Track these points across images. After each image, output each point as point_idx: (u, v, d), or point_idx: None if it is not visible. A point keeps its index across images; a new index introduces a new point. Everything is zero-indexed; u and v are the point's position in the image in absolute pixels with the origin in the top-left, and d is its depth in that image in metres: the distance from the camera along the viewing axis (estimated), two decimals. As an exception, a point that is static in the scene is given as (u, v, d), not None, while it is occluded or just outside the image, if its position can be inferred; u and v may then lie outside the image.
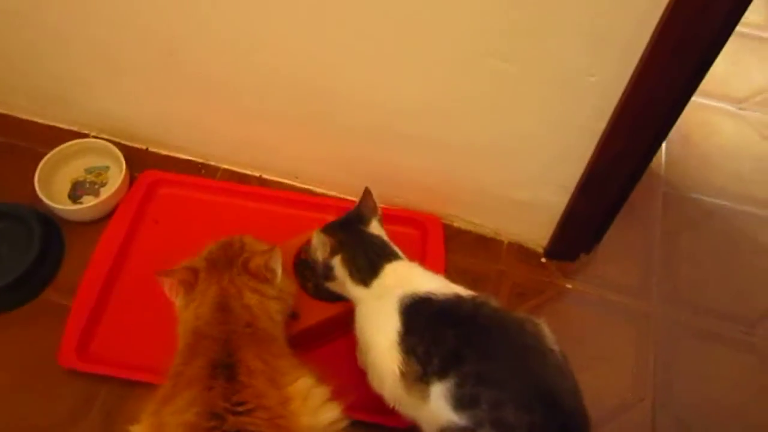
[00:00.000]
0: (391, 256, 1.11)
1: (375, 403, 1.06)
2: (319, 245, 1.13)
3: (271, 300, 1.04)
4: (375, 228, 1.16)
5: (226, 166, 1.53)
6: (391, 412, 1.05)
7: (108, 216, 1.41)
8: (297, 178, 1.50)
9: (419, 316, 1.03)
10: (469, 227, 1.47)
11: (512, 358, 0.98)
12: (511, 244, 1.46)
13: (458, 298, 1.04)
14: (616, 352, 1.33)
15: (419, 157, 1.33)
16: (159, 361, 0.97)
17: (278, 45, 1.19)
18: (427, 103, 1.21)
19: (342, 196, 1.49)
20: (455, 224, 1.47)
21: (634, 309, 1.39)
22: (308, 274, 1.26)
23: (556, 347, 1.01)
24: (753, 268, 1.49)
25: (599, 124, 1.13)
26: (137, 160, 1.50)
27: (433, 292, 1.05)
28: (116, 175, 1.44)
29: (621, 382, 1.29)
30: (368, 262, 1.10)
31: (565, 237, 1.39)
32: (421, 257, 1.35)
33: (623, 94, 1.06)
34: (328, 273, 1.14)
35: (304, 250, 1.27)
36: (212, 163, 1.53)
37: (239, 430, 0.83)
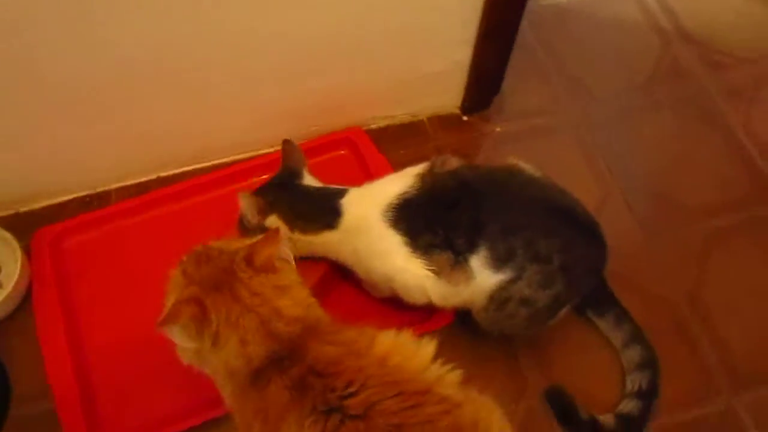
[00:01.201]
0: (340, 192, 1.08)
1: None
2: (247, 208, 1.06)
3: (296, 286, 0.92)
4: (309, 180, 1.11)
5: (116, 185, 1.34)
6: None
7: (25, 302, 1.20)
8: (200, 159, 1.36)
9: (413, 217, 1.01)
10: (387, 122, 1.44)
11: (520, 200, 1.02)
12: (431, 119, 1.46)
13: (431, 179, 1.04)
14: (569, 165, 1.41)
15: (322, 78, 1.26)
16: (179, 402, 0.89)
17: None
18: (318, 23, 1.15)
19: (257, 152, 1.38)
20: (373, 126, 1.43)
21: (562, 122, 1.47)
22: None
23: (539, 173, 1.06)
24: (622, 40, 1.63)
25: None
26: (14, 229, 1.26)
27: (403, 191, 1.03)
28: (7, 254, 1.22)
29: (588, 187, 1.38)
30: (319, 207, 1.07)
31: (477, 88, 1.41)
32: (365, 171, 1.32)
33: None
34: None
35: None
36: (99, 189, 1.34)
37: (367, 408, 0.79)
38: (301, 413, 0.80)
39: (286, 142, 1.13)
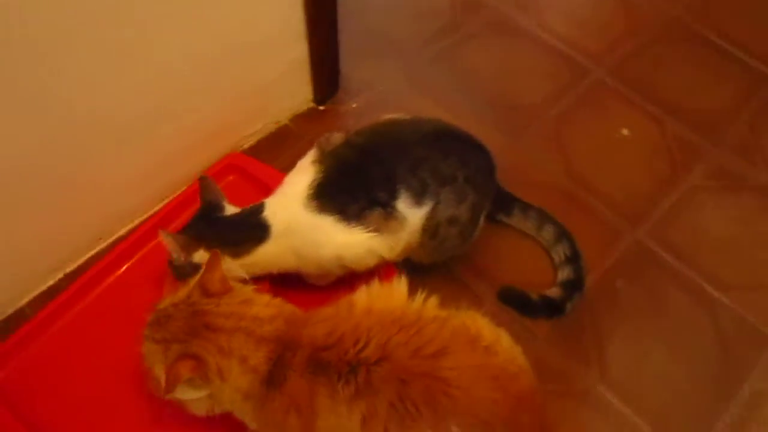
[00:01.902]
0: (258, 208, 1.13)
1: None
2: (171, 247, 1.09)
3: (257, 295, 0.98)
4: (231, 210, 1.15)
5: (26, 299, 1.29)
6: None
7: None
8: (99, 240, 1.34)
9: (333, 196, 1.09)
10: (257, 137, 1.50)
11: (409, 139, 1.15)
12: (293, 120, 1.54)
13: (329, 158, 1.13)
14: (420, 110, 1.53)
15: (178, 121, 1.29)
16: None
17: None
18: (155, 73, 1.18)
19: (153, 210, 1.38)
20: (246, 146, 1.49)
21: (401, 78, 1.63)
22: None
23: (409, 116, 1.21)
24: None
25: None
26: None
27: (312, 179, 1.11)
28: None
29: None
30: (244, 227, 1.12)
31: (321, 76, 1.52)
32: (262, 186, 1.36)
33: None
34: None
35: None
36: (9, 311, 1.27)
37: (383, 350, 0.87)
38: (328, 385, 0.87)
39: (202, 179, 1.16)
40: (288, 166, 1.19)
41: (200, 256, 1.09)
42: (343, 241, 1.09)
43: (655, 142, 1.54)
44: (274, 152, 1.48)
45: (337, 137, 1.18)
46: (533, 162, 1.49)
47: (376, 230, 1.09)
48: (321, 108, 1.57)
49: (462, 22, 1.75)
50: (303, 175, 1.11)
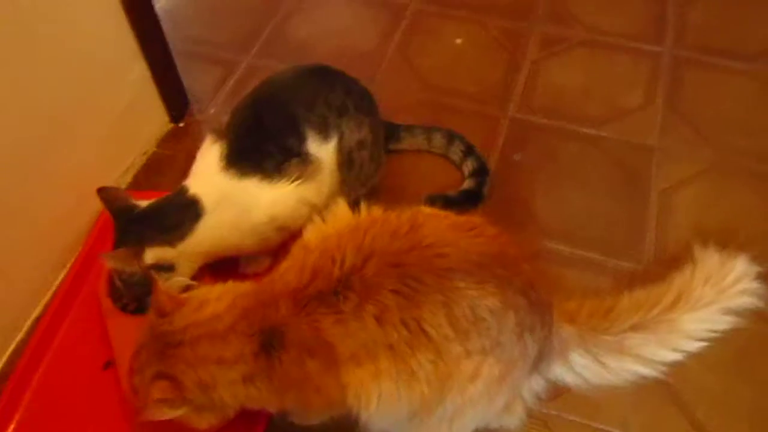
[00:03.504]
0: (180, 189, 1.11)
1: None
2: (121, 263, 1.06)
3: (211, 292, 0.94)
4: (144, 204, 1.12)
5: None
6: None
7: None
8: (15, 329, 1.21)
9: (248, 157, 1.09)
10: (131, 172, 1.45)
11: (295, 83, 1.18)
12: (159, 144, 1.51)
13: (227, 127, 1.14)
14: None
15: (47, 179, 1.22)
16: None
17: None
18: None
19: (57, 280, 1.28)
20: (124, 185, 1.43)
21: (246, 68, 1.64)
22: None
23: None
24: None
25: None
26: None
27: (221, 151, 1.10)
28: None
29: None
30: (177, 209, 1.10)
31: (169, 93, 1.50)
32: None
33: None
34: (164, 269, 1.08)
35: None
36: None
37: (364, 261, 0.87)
38: (330, 311, 0.86)
39: (100, 191, 1.11)
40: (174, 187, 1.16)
41: (151, 254, 1.06)
42: (272, 198, 1.09)
43: (485, 40, 1.69)
44: (155, 180, 1.44)
45: (225, 119, 1.18)
46: (395, 91, 1.57)
47: (299, 177, 1.10)
48: (181, 125, 1.54)
49: (272, 8, 1.80)
50: (210, 153, 1.11)
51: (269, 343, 0.88)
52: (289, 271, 0.93)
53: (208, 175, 1.10)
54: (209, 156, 1.11)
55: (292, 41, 1.72)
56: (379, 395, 0.87)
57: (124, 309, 1.16)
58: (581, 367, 1.10)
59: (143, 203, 1.11)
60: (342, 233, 0.93)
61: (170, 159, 1.47)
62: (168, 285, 1.06)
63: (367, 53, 1.67)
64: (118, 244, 1.07)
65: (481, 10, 1.75)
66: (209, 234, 1.08)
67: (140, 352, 0.92)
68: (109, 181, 1.37)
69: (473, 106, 1.54)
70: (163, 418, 0.88)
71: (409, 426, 0.94)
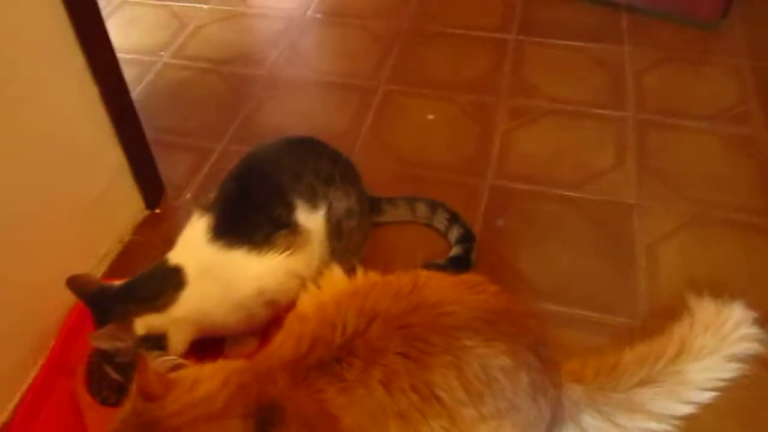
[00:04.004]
0: (163, 262, 1.09)
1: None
2: (114, 339, 0.99)
3: (203, 372, 0.87)
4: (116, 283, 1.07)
5: None
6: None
7: None
8: None
9: (234, 228, 1.07)
10: (107, 261, 1.39)
11: (279, 154, 1.18)
12: (135, 232, 1.46)
13: (215, 201, 1.12)
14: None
15: (24, 273, 1.17)
16: None
17: None
18: None
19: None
20: (99, 273, 1.37)
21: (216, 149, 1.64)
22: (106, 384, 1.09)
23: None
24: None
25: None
26: None
27: (207, 224, 1.09)
28: None
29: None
30: (159, 279, 1.07)
31: (146, 175, 1.48)
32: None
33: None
34: (155, 342, 1.03)
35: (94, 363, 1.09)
36: None
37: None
38: (333, 379, 0.82)
39: (70, 281, 1.05)
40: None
41: (142, 324, 1.02)
42: (260, 270, 1.05)
43: (455, 114, 1.73)
44: (131, 268, 1.35)
45: (211, 194, 1.16)
46: (372, 168, 1.54)
47: (287, 249, 1.07)
48: (157, 211, 1.51)
49: (242, 97, 1.82)
50: (196, 226, 1.08)
51: (268, 421, 0.82)
52: (284, 343, 0.88)
53: (193, 246, 1.07)
54: (195, 228, 1.08)
55: (264, 126, 1.73)
56: (392, 471, 0.81)
57: (104, 402, 1.08)
58: (594, 429, 1.05)
59: (117, 283, 1.06)
60: (340, 299, 0.89)
61: (146, 245, 1.43)
62: (157, 364, 0.99)
63: (341, 134, 1.68)
64: (101, 324, 1.01)
65: (448, 88, 1.80)
66: (194, 306, 1.03)
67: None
68: (84, 270, 1.31)
69: (451, 177, 1.55)
70: None
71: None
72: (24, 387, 1.18)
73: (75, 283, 1.05)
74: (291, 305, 1.10)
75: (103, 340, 0.96)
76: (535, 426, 0.90)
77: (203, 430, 0.80)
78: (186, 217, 1.43)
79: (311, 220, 1.11)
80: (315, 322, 0.87)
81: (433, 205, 1.41)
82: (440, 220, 1.40)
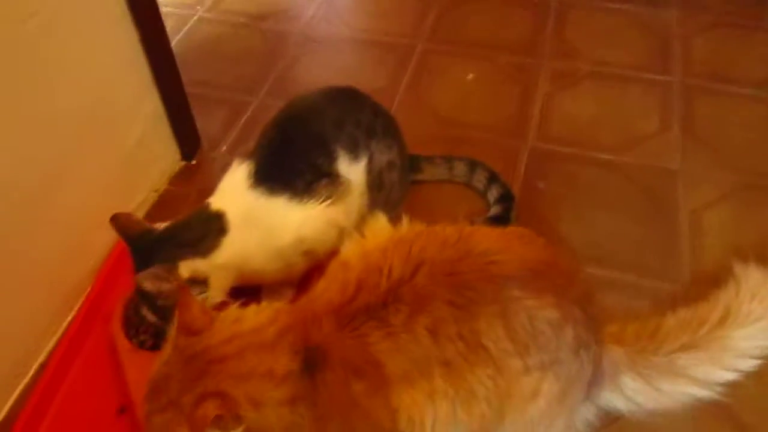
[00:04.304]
0: (204, 206, 1.07)
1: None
2: (159, 280, 0.98)
3: (245, 309, 0.86)
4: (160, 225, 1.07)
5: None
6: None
7: None
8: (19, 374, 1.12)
9: (276, 175, 1.05)
10: (143, 210, 1.39)
11: (321, 104, 1.14)
12: (171, 182, 1.46)
13: (255, 148, 1.10)
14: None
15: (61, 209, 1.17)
16: None
17: None
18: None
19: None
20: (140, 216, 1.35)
21: (257, 107, 1.61)
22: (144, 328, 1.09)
23: None
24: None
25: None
26: None
27: (249, 170, 1.07)
28: None
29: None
30: (201, 224, 1.05)
31: (183, 126, 1.47)
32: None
33: None
34: (197, 287, 1.02)
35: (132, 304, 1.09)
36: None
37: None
38: (379, 325, 0.80)
39: (114, 218, 1.05)
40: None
41: (185, 269, 1.01)
42: (300, 218, 1.04)
43: (496, 74, 1.69)
44: (166, 218, 1.33)
45: (252, 144, 1.15)
46: (410, 127, 1.48)
47: (328, 198, 1.06)
48: (193, 162, 1.50)
49: (278, 53, 1.80)
50: (237, 172, 1.07)
51: (312, 363, 0.81)
52: (328, 289, 0.87)
53: (234, 192, 1.06)
54: (236, 174, 1.07)
55: (300, 82, 1.70)
56: (434, 418, 0.80)
57: (141, 346, 1.08)
58: (633, 391, 1.03)
59: (160, 226, 1.06)
60: (385, 246, 0.87)
61: (182, 197, 1.42)
62: (202, 298, 1.00)
63: (378, 91, 1.63)
64: (142, 267, 1.00)
65: (488, 48, 1.76)
66: (235, 252, 1.03)
67: (168, 382, 0.80)
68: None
69: (490, 138, 1.52)
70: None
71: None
72: (60, 332, 1.20)
73: (118, 222, 1.05)
74: (328, 256, 1.10)
75: (149, 280, 0.96)
76: (577, 380, 0.88)
77: (252, 360, 0.79)
78: (222, 170, 1.43)
79: (352, 170, 1.10)
80: (360, 268, 0.86)
81: (472, 164, 1.38)
82: (479, 180, 1.37)
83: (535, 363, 0.82)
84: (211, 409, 0.75)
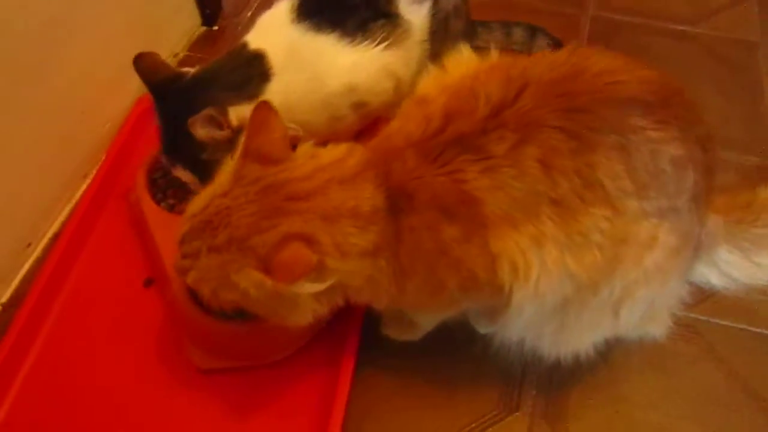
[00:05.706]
0: (241, 44, 0.91)
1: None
2: (210, 125, 0.83)
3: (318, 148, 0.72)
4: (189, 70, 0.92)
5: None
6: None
7: None
8: (29, 245, 0.99)
9: (327, 11, 0.90)
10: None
11: None
12: (191, 48, 1.31)
13: None
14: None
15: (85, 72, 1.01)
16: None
17: None
18: None
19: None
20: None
21: None
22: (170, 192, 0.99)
23: None
24: None
25: None
26: None
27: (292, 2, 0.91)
28: None
29: None
30: (241, 66, 0.90)
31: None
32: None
33: None
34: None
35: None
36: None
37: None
38: (475, 156, 0.67)
39: (137, 59, 0.88)
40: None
41: (234, 115, 0.85)
42: (351, 61, 0.89)
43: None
44: None
45: None
46: None
47: (384, 40, 0.90)
48: (215, 28, 1.34)
49: None
50: (280, 6, 0.91)
51: (396, 207, 0.68)
52: (406, 125, 0.73)
53: (275, 27, 0.90)
54: (278, 8, 0.91)
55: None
56: (540, 267, 0.67)
57: (171, 209, 0.95)
58: (729, 265, 0.91)
59: (190, 70, 0.90)
60: (476, 74, 0.73)
61: (201, 63, 1.26)
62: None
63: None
64: (173, 120, 0.85)
65: None
66: (280, 99, 0.87)
67: (231, 215, 0.66)
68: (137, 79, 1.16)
69: (546, 6, 1.37)
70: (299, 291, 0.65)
71: (561, 319, 0.74)
72: (74, 201, 1.06)
73: (142, 64, 0.89)
74: (381, 114, 0.96)
75: (200, 125, 0.81)
76: (690, 237, 0.75)
77: (337, 194, 0.66)
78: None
79: (414, 12, 0.94)
80: (446, 98, 0.71)
81: (532, 30, 1.23)
82: (540, 46, 1.22)
83: (652, 208, 0.68)
84: (300, 254, 0.63)
